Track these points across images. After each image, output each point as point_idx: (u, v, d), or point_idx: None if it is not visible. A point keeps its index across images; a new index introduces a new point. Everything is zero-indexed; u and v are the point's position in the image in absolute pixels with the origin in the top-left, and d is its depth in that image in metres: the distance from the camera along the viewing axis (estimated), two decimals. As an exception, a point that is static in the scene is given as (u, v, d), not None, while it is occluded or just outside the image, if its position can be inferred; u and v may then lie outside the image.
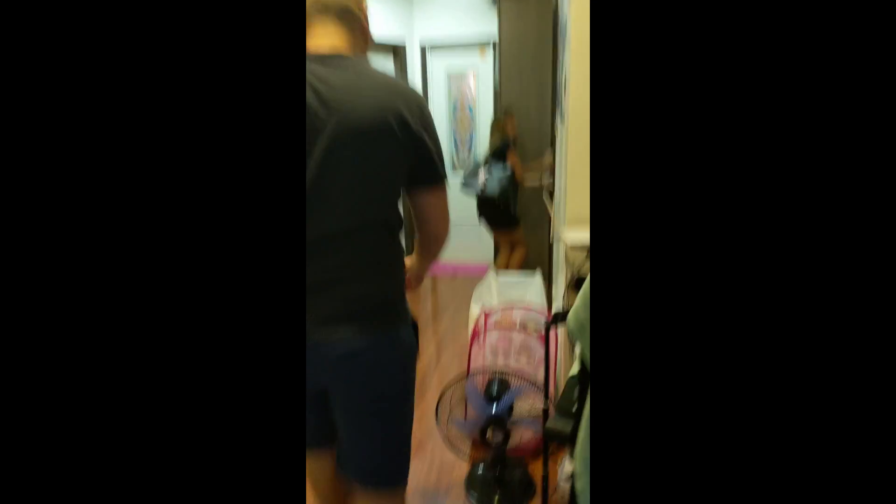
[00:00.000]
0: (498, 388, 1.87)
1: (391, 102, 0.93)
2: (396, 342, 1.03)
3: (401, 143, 0.94)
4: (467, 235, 4.88)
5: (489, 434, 1.81)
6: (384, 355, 1.02)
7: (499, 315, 2.24)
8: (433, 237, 1.11)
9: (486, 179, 3.51)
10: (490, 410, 1.81)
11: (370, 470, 1.11)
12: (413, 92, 0.98)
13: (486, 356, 2.16)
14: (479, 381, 1.93)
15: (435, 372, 2.84)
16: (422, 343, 3.15)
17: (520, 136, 3.76)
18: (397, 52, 4.48)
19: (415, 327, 1.10)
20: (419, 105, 0.97)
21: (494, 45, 4.42)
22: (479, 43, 4.47)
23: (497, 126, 3.59)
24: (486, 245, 4.86)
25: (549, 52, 3.52)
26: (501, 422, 1.80)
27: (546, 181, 3.69)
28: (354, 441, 1.08)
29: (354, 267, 0.98)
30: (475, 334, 2.16)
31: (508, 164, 3.45)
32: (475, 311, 2.38)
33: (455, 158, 4.81)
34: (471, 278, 4.44)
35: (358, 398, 1.03)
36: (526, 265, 3.92)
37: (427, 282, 4.46)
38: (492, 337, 2.19)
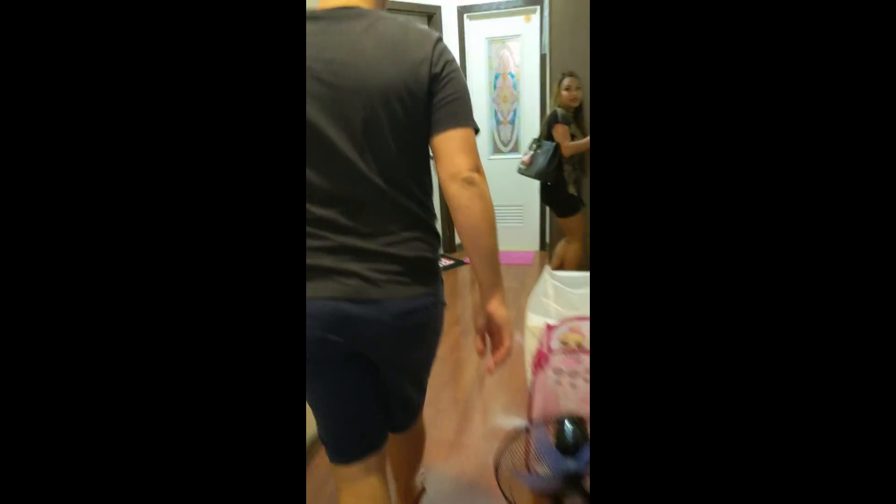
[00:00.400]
0: (573, 436, 1.47)
1: (400, 58, 0.90)
2: (440, 300, 1.05)
3: (417, 99, 0.91)
4: (508, 219, 4.44)
5: (563, 498, 1.41)
6: (433, 312, 1.03)
7: (564, 329, 1.82)
8: (459, 182, 0.92)
9: (532, 156, 3.04)
10: (565, 466, 1.41)
11: (411, 415, 1.27)
12: (423, 36, 0.93)
13: (549, 384, 1.75)
14: (548, 426, 1.52)
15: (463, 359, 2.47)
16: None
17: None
18: (431, 16, 4.02)
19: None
20: (431, 51, 0.91)
21: (541, 8, 3.92)
22: (524, 8, 3.97)
23: (554, 93, 3.09)
24: (532, 229, 4.42)
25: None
26: (579, 482, 1.40)
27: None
28: (403, 395, 1.18)
29: (396, 230, 0.96)
30: (539, 361, 1.75)
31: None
32: (534, 322, 1.96)
33: (496, 136, 4.33)
34: (515, 268, 4.02)
35: (412, 353, 1.07)
36: (585, 262, 3.47)
37: (461, 276, 4.05)
38: (555, 359, 1.78)
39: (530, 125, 4.20)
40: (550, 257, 3.46)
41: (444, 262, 4.17)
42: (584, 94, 3.04)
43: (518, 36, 4.09)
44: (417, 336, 1.03)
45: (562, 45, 3.36)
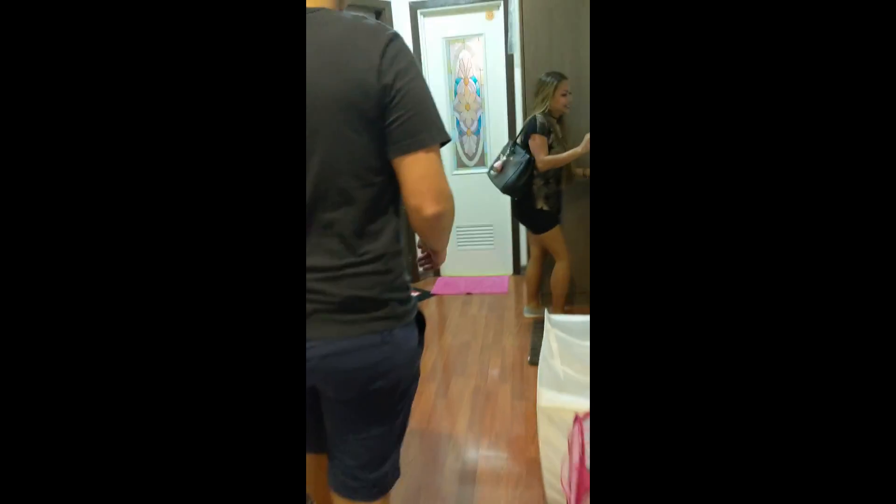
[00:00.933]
0: None
1: (343, 68, 0.80)
2: (389, 342, 0.91)
3: (366, 118, 0.81)
4: (477, 242, 3.94)
5: None
6: (372, 356, 0.90)
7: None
8: (422, 217, 0.86)
9: (504, 163, 2.60)
10: None
11: (351, 481, 1.03)
12: (371, 38, 0.81)
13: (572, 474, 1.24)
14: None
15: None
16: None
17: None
18: (380, 12, 3.50)
19: (421, 323, 0.97)
20: (380, 57, 0.80)
21: (505, 2, 3.46)
22: (486, 3, 3.50)
23: (537, 94, 2.64)
24: (503, 250, 3.93)
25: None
26: None
27: (589, 172, 2.77)
28: (338, 452, 1.01)
29: (330, 264, 0.86)
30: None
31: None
32: (548, 401, 1.44)
33: (459, 149, 3.84)
34: (489, 298, 3.52)
35: (341, 402, 0.95)
36: (572, 285, 3.00)
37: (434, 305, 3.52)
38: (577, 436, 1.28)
39: (497, 135, 3.72)
40: (530, 284, 2.99)
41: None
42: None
43: (479, 35, 3.61)
44: (358, 377, 0.90)
45: (536, 43, 2.90)
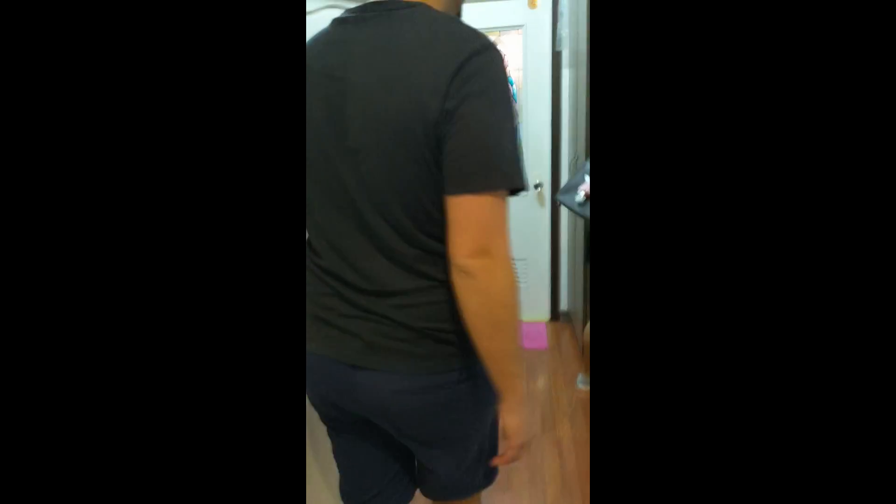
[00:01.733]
0: None
1: (412, 77, 0.69)
2: (468, 376, 0.81)
3: (424, 136, 0.70)
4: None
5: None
6: (451, 393, 0.81)
7: None
8: (455, 270, 0.73)
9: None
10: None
11: (445, 492, 0.99)
12: (452, 48, 0.68)
13: None
14: None
15: None
16: None
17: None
18: None
19: None
20: (452, 75, 0.67)
21: (552, -16, 2.78)
22: (527, -16, 2.82)
23: None
24: (539, 290, 3.22)
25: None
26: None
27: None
28: (429, 468, 0.93)
29: (408, 290, 0.78)
30: None
31: None
32: None
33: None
34: (523, 353, 2.82)
35: (423, 431, 0.85)
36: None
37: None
38: None
39: (537, 151, 3.02)
40: (578, 333, 2.29)
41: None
42: None
43: (519, 27, 2.93)
44: (427, 415, 0.82)
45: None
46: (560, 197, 1.99)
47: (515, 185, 0.71)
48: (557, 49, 2.83)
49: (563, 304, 3.19)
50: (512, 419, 0.82)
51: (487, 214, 0.70)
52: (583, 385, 2.39)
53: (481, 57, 0.68)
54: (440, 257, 0.76)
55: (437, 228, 0.75)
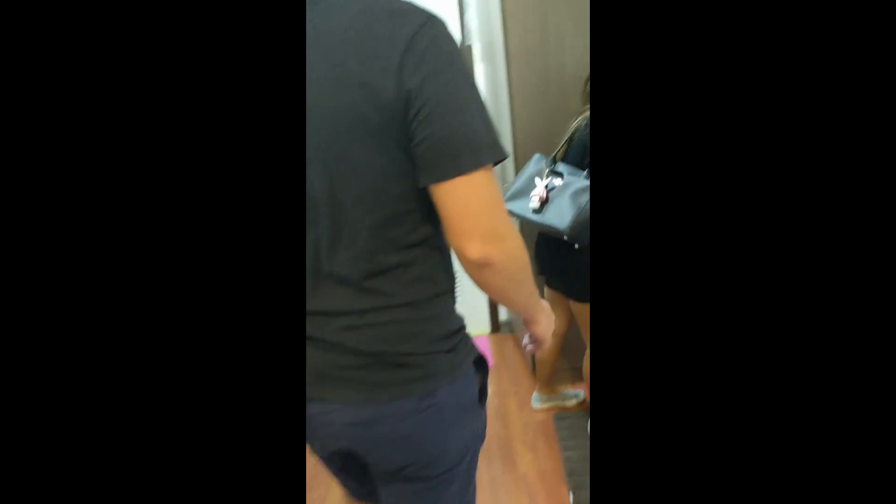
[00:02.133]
0: None
1: (353, 63, 0.64)
2: (431, 406, 0.74)
3: (383, 125, 0.65)
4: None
5: None
6: (418, 422, 0.74)
7: None
8: (467, 262, 0.69)
9: (551, 195, 1.65)
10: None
11: None
12: (397, 25, 0.63)
13: None
14: None
15: None
16: None
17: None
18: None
19: (481, 365, 0.82)
20: (411, 42, 0.63)
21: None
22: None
23: (586, 97, 1.74)
24: (476, 301, 3.02)
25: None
26: None
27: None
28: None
29: (359, 309, 0.72)
30: None
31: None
32: None
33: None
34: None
35: (389, 467, 0.79)
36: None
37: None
38: None
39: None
40: (545, 366, 2.11)
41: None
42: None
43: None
44: (385, 450, 0.77)
45: (524, 27, 2.02)
46: (508, 205, 1.73)
47: (500, 154, 0.67)
48: (467, 43, 2.63)
49: (503, 314, 3.00)
50: (537, 329, 0.87)
51: (485, 193, 0.66)
52: (538, 404, 2.20)
53: (430, 28, 0.63)
54: (398, 270, 0.71)
55: (399, 230, 0.70)
